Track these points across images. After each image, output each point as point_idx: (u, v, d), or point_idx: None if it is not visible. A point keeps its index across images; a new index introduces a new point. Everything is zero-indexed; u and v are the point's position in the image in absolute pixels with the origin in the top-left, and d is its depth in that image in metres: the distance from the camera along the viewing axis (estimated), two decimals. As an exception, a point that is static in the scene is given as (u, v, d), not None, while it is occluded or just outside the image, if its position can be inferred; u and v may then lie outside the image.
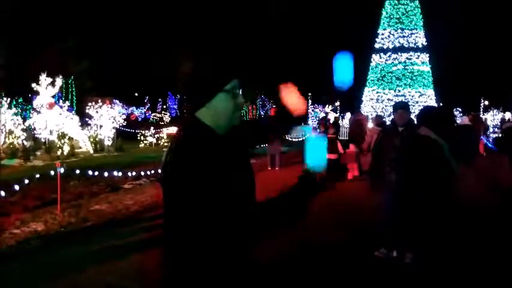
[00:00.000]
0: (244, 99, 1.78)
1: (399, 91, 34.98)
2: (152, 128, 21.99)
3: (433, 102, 34.96)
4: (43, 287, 3.95)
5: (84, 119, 17.99)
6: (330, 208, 6.69)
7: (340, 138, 16.49)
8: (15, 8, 29.09)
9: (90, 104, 17.83)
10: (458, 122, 13.83)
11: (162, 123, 41.54)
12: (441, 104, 35.96)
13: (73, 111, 16.82)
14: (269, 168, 12.03)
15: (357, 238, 5.37)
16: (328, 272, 4.32)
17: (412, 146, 3.48)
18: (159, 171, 1.69)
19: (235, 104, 1.69)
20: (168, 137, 20.39)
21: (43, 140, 15.21)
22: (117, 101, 29.04)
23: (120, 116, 18.72)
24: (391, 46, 35.67)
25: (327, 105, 32.45)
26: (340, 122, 26.47)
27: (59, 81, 15.54)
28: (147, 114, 57.20)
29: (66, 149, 14.60)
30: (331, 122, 20.41)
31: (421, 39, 35.69)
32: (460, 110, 36.67)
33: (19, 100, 20.51)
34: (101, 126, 17.37)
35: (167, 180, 1.59)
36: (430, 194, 3.19)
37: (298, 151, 17.68)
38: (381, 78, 35.99)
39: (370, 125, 13.31)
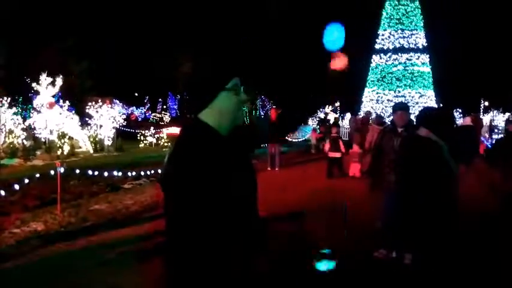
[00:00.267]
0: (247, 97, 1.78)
1: (399, 92, 34.98)
2: (152, 128, 21.98)
3: (433, 103, 34.96)
4: (43, 287, 3.95)
5: (84, 119, 17.99)
6: (329, 208, 6.69)
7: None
8: (15, 7, 29.08)
9: (90, 103, 17.82)
10: (459, 122, 13.85)
11: (162, 123, 41.54)
12: (441, 105, 35.94)
13: (73, 111, 16.81)
14: (269, 169, 12.03)
15: (356, 239, 5.37)
16: (327, 273, 4.31)
17: (412, 147, 3.48)
18: (159, 171, 1.69)
19: (239, 102, 1.69)
20: (168, 137, 20.40)
21: (43, 140, 15.20)
22: (117, 101, 29.04)
23: (120, 116, 18.71)
24: (391, 47, 35.67)
25: (327, 106, 32.42)
26: (340, 122, 26.49)
27: (59, 80, 15.54)
28: (147, 114, 57.19)
29: (66, 148, 14.61)
30: (331, 122, 20.43)
31: (421, 40, 35.69)
32: (460, 110, 36.67)
33: (19, 99, 20.49)
34: (100, 126, 17.37)
35: (168, 181, 1.59)
36: (429, 195, 3.19)
37: (298, 152, 17.71)
38: (381, 79, 35.99)
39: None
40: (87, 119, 17.93)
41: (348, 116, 31.02)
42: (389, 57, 35.70)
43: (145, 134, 20.44)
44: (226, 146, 1.65)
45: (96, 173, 7.99)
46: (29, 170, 10.54)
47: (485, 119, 31.71)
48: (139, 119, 49.87)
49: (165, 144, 19.44)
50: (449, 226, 3.40)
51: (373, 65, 37.03)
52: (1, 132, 14.71)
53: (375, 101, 36.16)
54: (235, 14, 51.51)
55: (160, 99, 60.74)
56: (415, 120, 4.08)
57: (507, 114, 37.94)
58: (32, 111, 16.84)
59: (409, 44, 35.43)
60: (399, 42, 35.51)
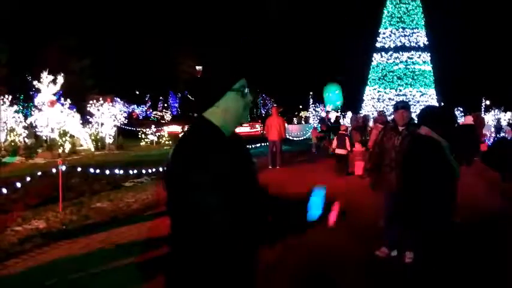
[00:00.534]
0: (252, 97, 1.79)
1: (400, 90, 34.94)
2: (153, 126, 22.01)
3: (434, 102, 34.92)
4: (44, 285, 3.96)
5: (86, 117, 18.02)
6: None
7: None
8: (16, 6, 29.09)
9: (91, 102, 17.85)
10: (460, 121, 13.82)
11: (163, 121, 41.59)
12: (442, 104, 35.91)
13: (74, 109, 16.83)
14: (270, 167, 12.04)
15: (357, 237, 5.38)
16: (329, 271, 4.33)
17: (413, 146, 3.48)
18: (161, 169, 1.70)
19: (245, 103, 1.70)
20: (169, 136, 20.41)
21: (44, 138, 15.23)
22: (118, 99, 29.04)
23: (121, 114, 18.74)
24: (392, 45, 35.61)
25: (328, 104, 32.40)
26: (341, 121, 26.46)
27: (61, 78, 15.56)
28: (148, 113, 57.25)
29: (68, 146, 14.64)
30: (332, 121, 20.42)
31: (422, 39, 35.62)
32: (461, 109, 36.63)
33: (20, 97, 20.53)
34: (102, 124, 17.39)
35: (173, 178, 1.59)
36: (430, 194, 3.19)
37: (298, 150, 17.71)
38: (382, 77, 35.94)
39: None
40: (88, 117, 17.95)
41: (349, 114, 31.00)
42: (391, 55, 35.65)
43: (147, 132, 20.46)
44: (230, 145, 1.66)
45: (97, 171, 8.00)
46: (30, 168, 10.56)
47: (487, 117, 31.69)
48: (141, 117, 49.93)
49: (166, 142, 19.46)
50: (450, 224, 3.40)
51: (374, 63, 36.97)
52: (2, 130, 14.74)
53: (376, 99, 36.12)
54: (236, 13, 51.47)
55: (161, 98, 60.77)
56: (416, 119, 4.08)
57: (508, 113, 37.92)
58: (33, 109, 16.87)
59: (410, 42, 35.36)
60: (400, 41, 35.44)
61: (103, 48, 39.36)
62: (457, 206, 3.30)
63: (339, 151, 10.84)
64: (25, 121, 15.90)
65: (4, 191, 6.41)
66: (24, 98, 23.37)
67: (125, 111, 22.50)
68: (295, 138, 24.07)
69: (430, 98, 35.42)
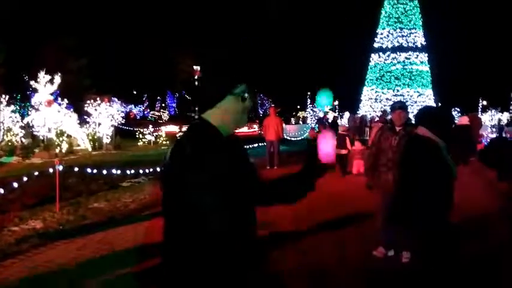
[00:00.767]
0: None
1: (398, 91, 35.01)
2: (151, 126, 21.98)
3: (431, 102, 35.01)
4: (41, 285, 3.95)
5: (83, 117, 17.97)
6: (327, 206, 6.71)
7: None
8: (15, 6, 29.01)
9: (88, 101, 17.80)
10: (455, 122, 13.86)
11: (161, 121, 41.54)
12: (440, 104, 35.99)
13: (71, 109, 16.80)
14: (268, 167, 12.04)
15: (355, 237, 5.39)
16: (325, 271, 4.33)
17: (410, 146, 3.48)
18: (158, 169, 1.70)
19: (244, 107, 1.72)
20: (167, 136, 20.39)
21: (41, 138, 15.19)
22: (116, 99, 29.00)
23: (119, 114, 18.70)
24: (390, 45, 35.67)
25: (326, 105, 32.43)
26: (338, 121, 26.48)
27: (58, 78, 15.51)
28: (145, 112, 57.16)
29: (65, 146, 14.60)
30: (330, 121, 20.43)
31: (420, 39, 35.69)
32: (458, 109, 36.70)
33: (17, 97, 20.48)
34: (99, 124, 17.35)
35: (169, 178, 1.60)
36: (428, 194, 3.20)
37: (296, 150, 17.70)
38: (379, 77, 36.00)
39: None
40: (85, 117, 17.91)
41: (347, 114, 31.03)
42: (388, 56, 35.71)
43: (144, 132, 20.43)
44: (227, 145, 1.67)
45: (94, 171, 7.98)
46: (27, 168, 10.53)
47: (484, 118, 31.77)
48: (138, 117, 49.85)
49: (164, 142, 19.44)
50: (447, 224, 3.41)
51: (371, 63, 37.03)
52: (-1, 130, 14.70)
53: (374, 99, 36.17)
54: (234, 13, 51.47)
55: (158, 98, 60.66)
56: (413, 119, 4.09)
57: (505, 113, 38.04)
58: (30, 109, 16.82)
59: (407, 42, 35.43)
60: (398, 41, 35.50)
61: (100, 48, 39.30)
62: (453, 206, 3.30)
63: (338, 151, 10.92)
64: (22, 121, 15.85)
65: (1, 191, 6.38)
66: (21, 98, 23.29)
67: (122, 111, 22.44)
68: (292, 139, 24.08)
69: (428, 98, 35.50)
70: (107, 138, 17.26)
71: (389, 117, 13.51)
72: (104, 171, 8.14)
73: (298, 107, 53.85)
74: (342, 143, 10.92)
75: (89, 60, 34.97)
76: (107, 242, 5.16)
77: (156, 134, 20.88)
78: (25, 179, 6.90)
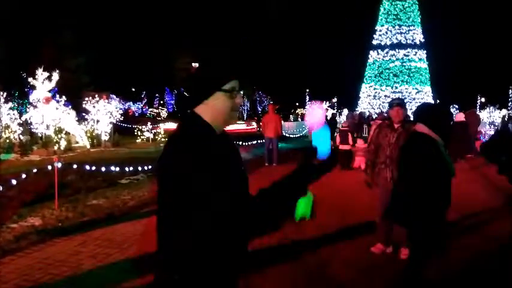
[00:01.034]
0: (243, 96, 1.81)
1: (396, 88, 35.04)
2: (149, 123, 21.95)
3: (430, 99, 35.05)
4: (40, 282, 3.96)
5: (81, 114, 17.93)
6: (326, 203, 6.72)
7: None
8: (13, 2, 28.89)
9: (87, 98, 17.77)
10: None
11: (159, 118, 41.49)
12: (438, 101, 36.03)
13: (70, 106, 16.76)
14: (266, 164, 12.05)
15: (353, 234, 5.41)
16: (323, 267, 4.35)
17: (408, 143, 3.49)
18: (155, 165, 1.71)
19: (233, 104, 1.71)
20: (165, 133, 20.37)
21: (40, 135, 15.16)
22: (114, 96, 28.94)
23: (117, 111, 18.67)
24: (388, 42, 35.67)
25: (324, 102, 32.48)
26: (337, 118, 26.52)
27: (56, 75, 15.48)
28: (144, 110, 57.09)
29: (63, 143, 14.57)
30: (329, 118, 20.45)
31: (418, 36, 35.70)
32: (456, 106, 36.75)
33: (15, 94, 20.43)
34: (97, 121, 17.33)
35: (162, 173, 1.61)
36: (426, 191, 3.21)
37: (295, 147, 17.71)
38: (378, 74, 36.02)
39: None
40: (84, 114, 17.88)
41: (345, 111, 31.06)
42: (387, 53, 35.72)
43: (143, 129, 20.41)
44: (220, 142, 1.67)
45: (93, 168, 7.98)
46: (25, 165, 10.52)
47: (482, 114, 31.81)
48: (137, 114, 49.79)
49: (162, 139, 19.42)
50: (444, 221, 3.43)
51: (370, 60, 37.04)
52: (-3, 127, 14.67)
53: (372, 96, 36.18)
54: (233, 10, 51.34)
55: (157, 95, 60.60)
56: (412, 116, 4.10)
57: (503, 110, 38.09)
58: (28, 106, 16.78)
59: (406, 39, 35.44)
60: (396, 38, 35.51)
61: (99, 45, 39.20)
62: (451, 203, 3.32)
63: (342, 147, 11.20)
64: (20, 118, 15.82)
65: (0, 188, 6.38)
66: (19, 95, 23.23)
67: (120, 108, 22.43)
68: (291, 136, 24.09)
69: (426, 95, 35.55)
70: (106, 135, 17.24)
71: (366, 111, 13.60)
72: (103, 169, 8.13)
73: (297, 104, 53.84)
74: (345, 139, 11.14)
75: (87, 57, 34.88)
76: (106, 239, 5.17)
77: (155, 131, 20.86)
78: (24, 176, 6.89)
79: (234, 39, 46.45)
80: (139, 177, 9.32)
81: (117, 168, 8.53)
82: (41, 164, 9.76)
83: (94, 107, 17.33)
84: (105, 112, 17.41)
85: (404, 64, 35.27)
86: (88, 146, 16.11)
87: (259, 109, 56.34)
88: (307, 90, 40.62)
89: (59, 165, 6.81)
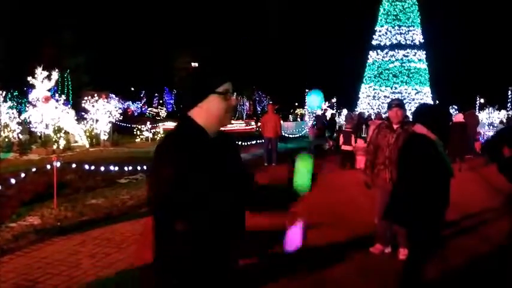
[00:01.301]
0: (242, 95, 1.82)
1: (396, 88, 35.05)
2: (148, 122, 21.94)
3: (429, 100, 35.09)
4: (39, 281, 3.96)
5: (80, 113, 17.91)
6: (325, 203, 6.72)
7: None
8: (12, 2, 28.84)
9: (86, 98, 17.75)
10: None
11: (159, 118, 41.46)
12: (437, 102, 36.06)
13: (69, 105, 16.74)
14: (265, 164, 12.05)
15: (351, 234, 5.41)
16: (322, 268, 4.35)
17: (407, 144, 3.50)
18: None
19: (227, 106, 1.72)
20: (165, 132, 20.34)
21: (39, 134, 15.14)
22: (114, 95, 28.92)
23: (117, 111, 18.66)
24: (388, 43, 35.68)
25: (324, 102, 32.47)
26: (336, 118, 26.52)
27: (55, 74, 15.46)
28: (143, 109, 57.05)
29: (62, 143, 14.56)
30: (328, 118, 20.45)
31: (418, 37, 35.71)
32: (456, 107, 36.76)
33: (14, 93, 20.40)
34: (97, 121, 17.32)
35: (151, 174, 1.63)
36: (425, 192, 3.22)
37: (295, 147, 17.72)
38: (377, 75, 36.02)
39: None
40: (83, 113, 17.86)
41: (345, 112, 31.06)
42: (386, 53, 35.73)
43: (142, 129, 20.40)
44: (212, 145, 1.68)
45: (92, 167, 7.97)
46: (24, 164, 10.51)
47: (482, 115, 31.84)
48: (136, 114, 49.76)
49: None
50: (443, 222, 3.43)
51: (369, 61, 37.04)
52: (-4, 126, 14.64)
53: (372, 97, 36.20)
54: (233, 10, 51.32)
55: (156, 94, 60.57)
56: (411, 116, 4.10)
57: (503, 111, 38.12)
58: (27, 105, 16.75)
59: (406, 40, 35.45)
60: (396, 39, 35.52)
61: (98, 45, 39.16)
62: (449, 203, 3.33)
63: (345, 147, 11.27)
64: (19, 117, 15.79)
65: (-2, 187, 6.38)
66: (19, 94, 23.20)
67: (120, 108, 22.41)
68: (290, 136, 24.09)
69: (425, 95, 35.56)
70: (105, 134, 17.22)
71: (384, 115, 13.68)
72: (102, 168, 8.13)
73: (296, 104, 53.83)
74: (348, 140, 11.21)
75: (87, 56, 34.84)
76: (105, 238, 5.17)
77: (154, 130, 20.85)
78: (23, 175, 6.89)
79: (233, 40, 46.42)
80: (139, 176, 9.32)
81: (116, 168, 8.53)
82: (40, 163, 9.75)
83: (93, 106, 17.32)
84: (104, 111, 17.39)
85: (403, 65, 35.28)
86: (87, 146, 16.10)
87: (259, 109, 56.35)
88: (307, 90, 40.62)
89: (58, 164, 6.80)
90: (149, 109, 56.02)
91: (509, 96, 37.92)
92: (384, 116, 13.72)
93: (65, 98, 16.25)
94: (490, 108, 39.23)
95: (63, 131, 15.13)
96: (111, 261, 4.44)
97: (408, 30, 35.45)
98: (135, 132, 20.26)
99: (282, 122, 14.99)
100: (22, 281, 3.94)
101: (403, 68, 35.26)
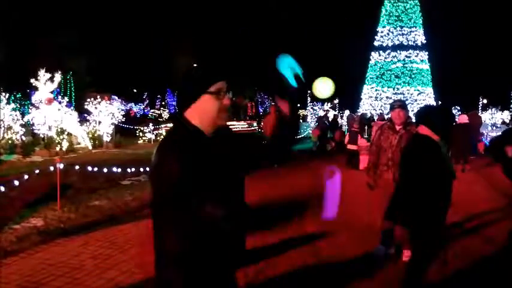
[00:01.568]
0: (244, 96, 1.82)
1: (398, 89, 35.02)
2: (151, 124, 21.97)
3: (431, 101, 35.04)
4: (42, 283, 3.97)
5: (83, 115, 17.95)
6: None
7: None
8: (15, 3, 28.95)
9: (89, 99, 17.80)
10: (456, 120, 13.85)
11: (161, 119, 41.51)
12: (440, 103, 35.99)
13: (72, 107, 16.78)
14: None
15: (354, 235, 5.41)
16: (325, 268, 4.35)
17: (410, 145, 3.49)
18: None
19: (221, 105, 1.71)
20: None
21: (42, 136, 15.19)
22: (116, 97, 29.02)
23: (119, 112, 18.70)
24: (390, 44, 35.67)
25: (326, 103, 32.46)
26: (338, 119, 26.48)
27: (58, 76, 15.51)
28: (145, 111, 57.12)
29: (65, 144, 14.60)
30: (330, 119, 20.44)
31: (420, 37, 35.69)
32: (458, 108, 36.69)
33: (18, 95, 20.45)
34: (99, 122, 17.36)
35: (151, 176, 1.64)
36: (427, 193, 3.21)
37: (297, 148, 17.71)
38: (380, 76, 36.01)
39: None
40: (85, 115, 17.90)
41: (347, 112, 31.03)
42: (388, 54, 35.72)
43: (144, 131, 20.43)
44: (207, 146, 1.68)
45: (95, 169, 7.99)
46: (28, 166, 10.55)
47: (484, 116, 31.76)
48: (138, 116, 49.84)
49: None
50: (445, 224, 3.43)
51: (372, 62, 37.03)
52: None
53: (374, 98, 36.17)
54: (235, 10, 51.38)
55: (158, 96, 60.61)
56: (414, 117, 4.10)
57: (506, 112, 38.03)
58: (30, 107, 16.80)
59: (408, 41, 35.44)
60: (398, 40, 35.51)
61: (101, 47, 39.27)
62: (451, 205, 3.32)
63: (350, 147, 11.30)
64: (22, 119, 15.84)
65: (2, 188, 6.39)
66: (22, 96, 23.27)
67: (122, 109, 22.44)
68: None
69: (428, 96, 35.52)
70: (107, 136, 17.26)
71: (387, 116, 13.66)
72: (105, 170, 8.15)
73: (298, 105, 53.82)
74: (354, 140, 11.25)
75: (89, 58, 34.94)
76: (108, 240, 5.18)
77: (157, 132, 20.88)
78: (26, 177, 6.91)
79: (233, 39, 46.44)
80: (141, 178, 9.34)
81: (119, 169, 8.54)
82: (43, 165, 9.78)
83: (96, 108, 17.37)
84: (107, 113, 17.43)
85: (406, 65, 35.26)
86: (90, 147, 16.14)
87: (261, 110, 56.33)
88: (309, 91, 40.59)
89: (61, 166, 6.83)
90: (152, 111, 56.08)
91: (512, 97, 37.81)
92: (386, 117, 13.71)
93: (67, 99, 16.26)
94: (493, 109, 39.12)
95: (66, 133, 15.16)
96: (114, 262, 4.45)
97: (410, 31, 35.43)
98: (137, 134, 20.30)
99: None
100: (25, 283, 3.95)
101: (405, 69, 35.24)
